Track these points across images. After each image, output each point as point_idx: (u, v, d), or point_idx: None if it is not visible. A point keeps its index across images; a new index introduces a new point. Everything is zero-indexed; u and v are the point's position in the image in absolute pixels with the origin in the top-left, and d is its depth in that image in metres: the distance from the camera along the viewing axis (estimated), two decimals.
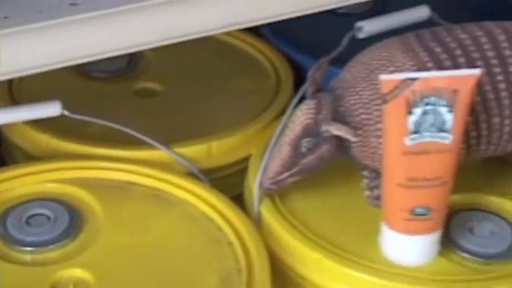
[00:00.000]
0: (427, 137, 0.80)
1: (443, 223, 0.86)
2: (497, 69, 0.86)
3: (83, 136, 0.99)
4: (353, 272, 0.85)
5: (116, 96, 1.10)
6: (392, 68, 0.85)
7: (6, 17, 0.70)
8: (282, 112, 0.99)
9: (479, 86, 0.85)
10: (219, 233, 0.89)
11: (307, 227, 0.90)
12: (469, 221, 0.91)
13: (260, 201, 0.91)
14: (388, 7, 0.97)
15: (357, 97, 0.86)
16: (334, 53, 0.92)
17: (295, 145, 0.87)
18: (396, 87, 0.79)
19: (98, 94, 1.10)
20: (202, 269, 0.85)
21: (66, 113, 0.91)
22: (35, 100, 0.91)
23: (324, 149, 0.87)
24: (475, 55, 0.86)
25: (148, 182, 0.95)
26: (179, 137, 1.00)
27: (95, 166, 0.96)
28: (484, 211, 0.93)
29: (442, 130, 0.80)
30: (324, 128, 0.85)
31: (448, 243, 0.89)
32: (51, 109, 0.91)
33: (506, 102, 0.86)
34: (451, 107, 0.80)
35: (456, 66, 0.85)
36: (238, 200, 0.94)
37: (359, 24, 0.93)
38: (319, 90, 0.88)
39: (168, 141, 0.99)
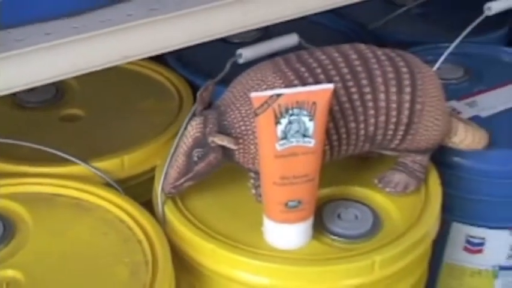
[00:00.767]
0: (294, 142, 0.82)
1: (314, 212, 0.87)
2: (351, 83, 0.87)
3: (14, 157, 0.98)
4: (241, 258, 0.86)
5: (44, 122, 1.09)
6: (265, 87, 0.86)
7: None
8: None
9: (337, 98, 0.86)
10: (130, 232, 0.89)
11: (203, 223, 0.90)
12: (337, 208, 0.93)
13: (164, 203, 0.91)
14: (272, 35, 0.98)
15: (236, 112, 0.86)
16: (218, 77, 0.92)
17: (188, 155, 0.87)
18: (265, 103, 0.80)
19: (29, 121, 1.09)
20: (116, 263, 0.85)
21: None
22: None
23: (212, 157, 0.87)
24: (333, 72, 0.87)
25: (70, 193, 0.94)
26: (97, 153, 1.00)
27: (25, 182, 0.95)
28: (350, 200, 0.95)
29: (305, 136, 0.82)
30: (210, 139, 0.86)
31: (320, 228, 0.90)
32: None
33: (360, 110, 0.88)
34: (311, 116, 0.81)
35: (317, 82, 0.86)
36: (149, 204, 0.94)
37: (239, 51, 0.93)
38: (207, 107, 0.88)
39: (87, 157, 0.98)
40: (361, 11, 1.31)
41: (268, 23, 0.86)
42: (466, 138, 0.99)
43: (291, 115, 0.81)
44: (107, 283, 0.83)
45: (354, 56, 0.89)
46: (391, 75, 0.89)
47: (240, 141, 0.86)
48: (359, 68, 0.88)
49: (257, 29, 0.92)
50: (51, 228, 0.90)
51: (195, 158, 0.87)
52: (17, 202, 0.93)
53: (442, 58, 1.05)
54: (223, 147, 0.86)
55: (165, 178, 0.90)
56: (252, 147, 0.86)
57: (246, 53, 0.94)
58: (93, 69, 0.78)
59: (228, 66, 0.93)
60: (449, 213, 1.03)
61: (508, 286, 1.13)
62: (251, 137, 0.86)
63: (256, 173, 0.89)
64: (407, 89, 0.89)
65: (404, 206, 0.94)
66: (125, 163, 1.00)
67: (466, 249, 1.11)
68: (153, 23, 0.78)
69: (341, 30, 1.35)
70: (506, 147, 1.05)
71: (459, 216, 1.09)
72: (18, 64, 0.73)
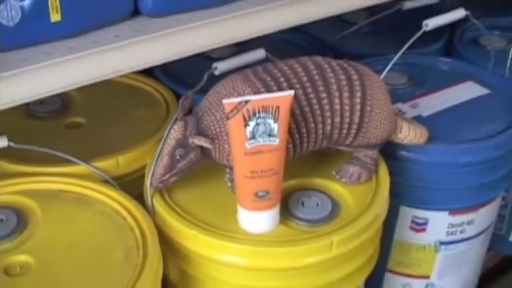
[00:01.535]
0: (261, 141, 0.81)
1: (281, 201, 0.86)
2: (309, 90, 0.86)
3: (26, 159, 0.97)
4: (219, 242, 0.85)
5: (52, 129, 1.07)
6: (236, 94, 0.85)
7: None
8: None
9: (298, 102, 0.85)
10: (123, 222, 0.88)
11: (186, 212, 0.89)
12: (301, 197, 0.92)
13: (152, 196, 0.90)
14: (244, 51, 0.97)
15: (212, 117, 0.85)
16: (197, 87, 0.91)
17: (172, 154, 0.86)
18: (235, 108, 0.79)
19: (39, 128, 1.07)
20: (111, 249, 0.84)
21: (12, 144, 0.89)
22: None
23: (192, 155, 0.86)
24: (294, 81, 0.86)
25: (74, 189, 0.93)
26: (96, 155, 0.98)
27: (35, 180, 0.94)
28: (312, 189, 0.94)
29: (271, 135, 0.81)
30: (190, 140, 0.84)
31: (287, 214, 0.89)
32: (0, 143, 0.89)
33: (318, 112, 0.87)
34: (276, 119, 0.80)
35: (281, 89, 0.85)
36: (141, 197, 0.92)
37: (214, 64, 0.92)
38: (187, 113, 0.87)
39: (88, 158, 0.97)
40: (320, 28, 1.31)
41: (238, 40, 0.85)
42: (410, 135, 0.98)
43: (258, 118, 0.80)
44: (105, 265, 0.82)
45: (312, 67, 0.88)
46: (344, 83, 0.88)
47: (216, 141, 0.85)
48: (316, 77, 0.87)
49: (232, 45, 0.90)
50: (58, 219, 0.89)
51: (178, 157, 0.86)
52: (29, 197, 0.91)
53: (388, 67, 1.05)
54: (201, 147, 0.85)
55: (152, 175, 0.88)
56: (226, 146, 0.85)
57: (221, 66, 0.93)
58: (89, 83, 0.77)
59: (205, 77, 0.92)
60: (397, 198, 1.02)
61: (448, 258, 1.13)
62: (225, 137, 0.84)
63: (231, 168, 0.88)
64: (358, 94, 0.88)
65: (358, 194, 0.93)
66: (119, 163, 0.98)
67: (412, 228, 1.10)
68: (138, 42, 0.77)
69: (302, 45, 1.34)
70: (443, 141, 1.04)
71: (406, 201, 1.08)
72: (24, 80, 0.72)
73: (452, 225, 1.10)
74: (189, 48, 0.82)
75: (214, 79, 0.91)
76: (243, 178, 0.82)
